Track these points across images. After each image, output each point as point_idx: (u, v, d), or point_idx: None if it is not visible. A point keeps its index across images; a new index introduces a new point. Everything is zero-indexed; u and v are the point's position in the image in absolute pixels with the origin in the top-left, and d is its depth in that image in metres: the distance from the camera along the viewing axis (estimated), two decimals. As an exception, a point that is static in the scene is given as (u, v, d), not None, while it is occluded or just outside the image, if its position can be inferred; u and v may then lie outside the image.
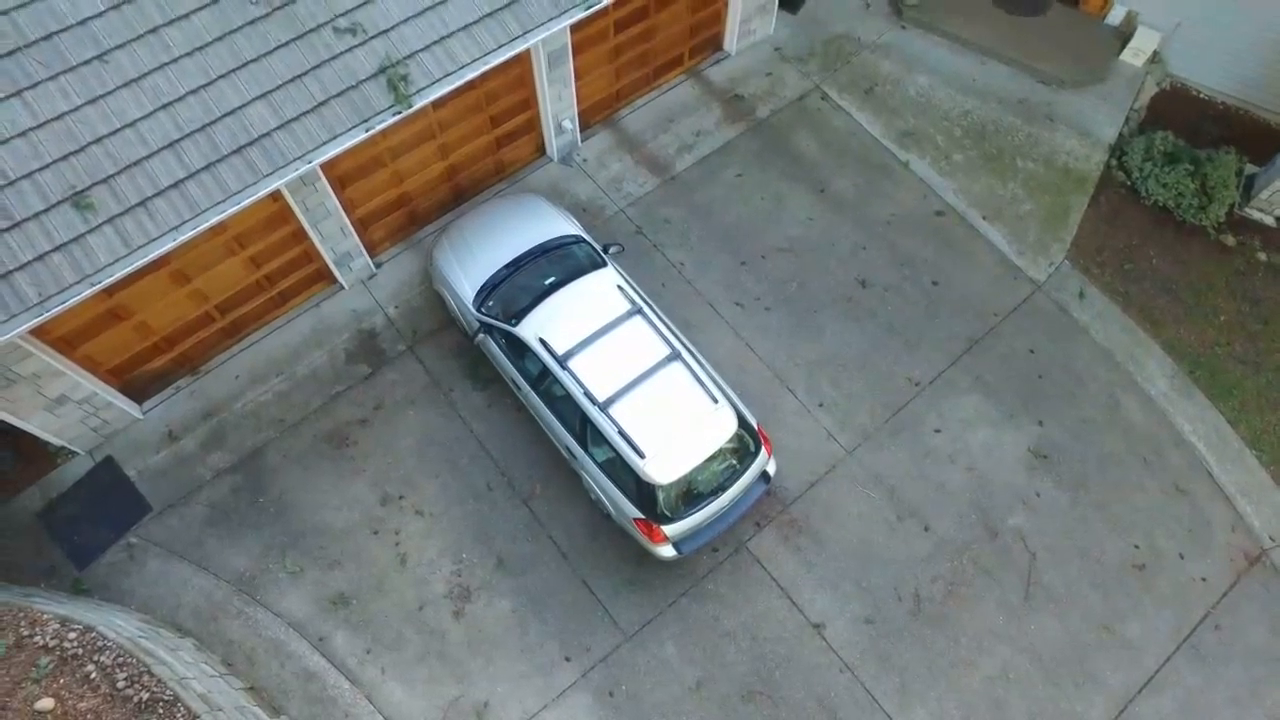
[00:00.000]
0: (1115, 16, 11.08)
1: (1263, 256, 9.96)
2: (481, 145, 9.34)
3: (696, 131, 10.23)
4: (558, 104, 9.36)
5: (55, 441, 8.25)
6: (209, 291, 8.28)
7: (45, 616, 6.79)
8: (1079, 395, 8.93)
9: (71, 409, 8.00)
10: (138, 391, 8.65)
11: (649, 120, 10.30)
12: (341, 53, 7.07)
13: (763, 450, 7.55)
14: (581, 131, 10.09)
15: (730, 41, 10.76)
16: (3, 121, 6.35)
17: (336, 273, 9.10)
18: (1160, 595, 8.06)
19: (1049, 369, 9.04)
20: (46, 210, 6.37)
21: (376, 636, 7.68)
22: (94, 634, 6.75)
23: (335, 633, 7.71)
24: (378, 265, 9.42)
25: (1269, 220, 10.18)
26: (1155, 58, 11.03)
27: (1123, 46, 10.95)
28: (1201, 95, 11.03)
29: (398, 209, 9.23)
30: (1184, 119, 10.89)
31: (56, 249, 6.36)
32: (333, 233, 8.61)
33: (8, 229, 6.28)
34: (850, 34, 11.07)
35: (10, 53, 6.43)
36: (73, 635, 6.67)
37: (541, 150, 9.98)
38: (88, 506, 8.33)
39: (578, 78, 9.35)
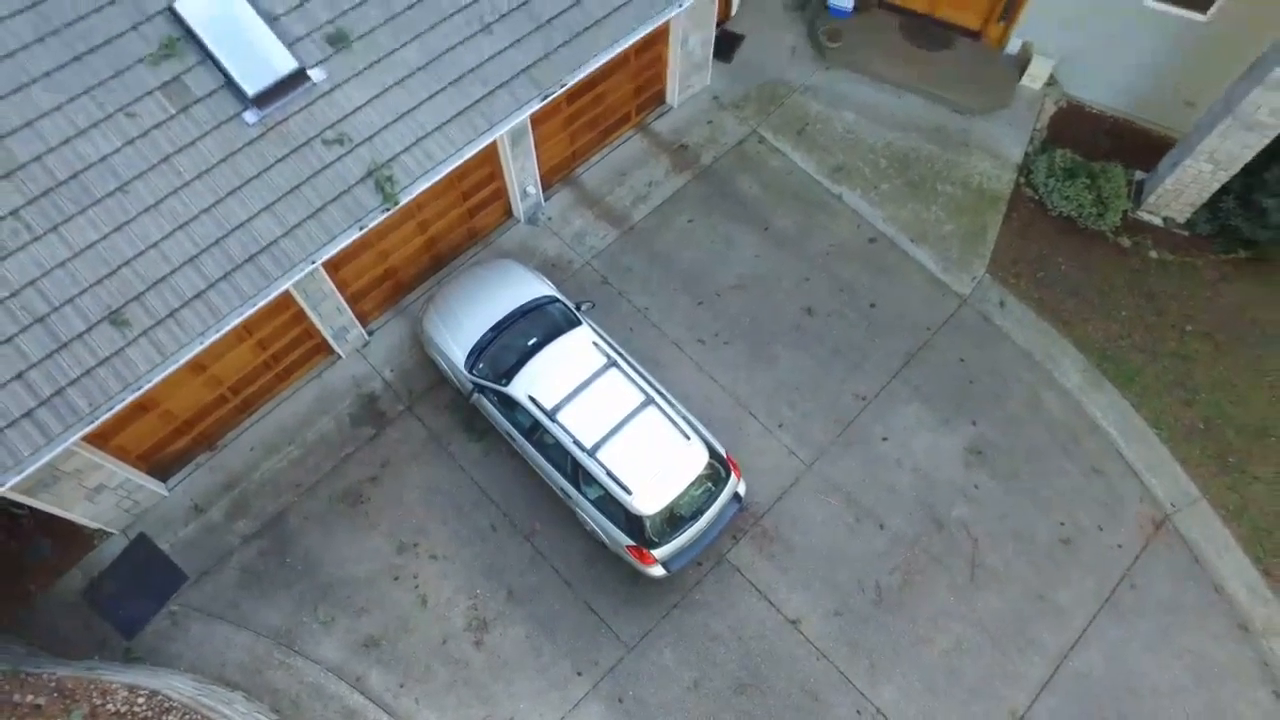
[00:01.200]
0: (1013, 46, 12.52)
1: (1154, 254, 11.48)
2: (455, 216, 10.46)
3: (649, 182, 11.46)
4: (521, 173, 10.51)
5: (93, 525, 9.22)
6: (223, 376, 9.30)
7: (113, 685, 7.81)
8: (1005, 395, 10.35)
9: (107, 495, 8.98)
10: (162, 471, 9.63)
11: (604, 176, 11.49)
12: (332, 162, 8.15)
13: (732, 475, 8.82)
14: (544, 191, 11.25)
15: (672, 95, 11.99)
16: (43, 255, 7.34)
17: (334, 345, 10.16)
18: (1084, 564, 9.50)
19: (978, 374, 10.44)
20: (88, 330, 7.38)
21: (407, 671, 8.80)
22: (160, 697, 7.79)
23: (370, 672, 8.81)
24: (370, 334, 10.50)
25: (1157, 221, 11.70)
26: (1052, 80, 12.50)
27: (1022, 73, 12.40)
28: (1094, 111, 12.51)
29: (385, 282, 10.32)
30: (1081, 134, 12.38)
31: (101, 363, 7.37)
32: (329, 311, 9.67)
33: (56, 350, 7.28)
34: (781, 78, 12.37)
35: (45, 192, 7.41)
36: (141, 700, 7.71)
37: (509, 213, 11.13)
38: (128, 581, 9.31)
39: (537, 147, 10.50)
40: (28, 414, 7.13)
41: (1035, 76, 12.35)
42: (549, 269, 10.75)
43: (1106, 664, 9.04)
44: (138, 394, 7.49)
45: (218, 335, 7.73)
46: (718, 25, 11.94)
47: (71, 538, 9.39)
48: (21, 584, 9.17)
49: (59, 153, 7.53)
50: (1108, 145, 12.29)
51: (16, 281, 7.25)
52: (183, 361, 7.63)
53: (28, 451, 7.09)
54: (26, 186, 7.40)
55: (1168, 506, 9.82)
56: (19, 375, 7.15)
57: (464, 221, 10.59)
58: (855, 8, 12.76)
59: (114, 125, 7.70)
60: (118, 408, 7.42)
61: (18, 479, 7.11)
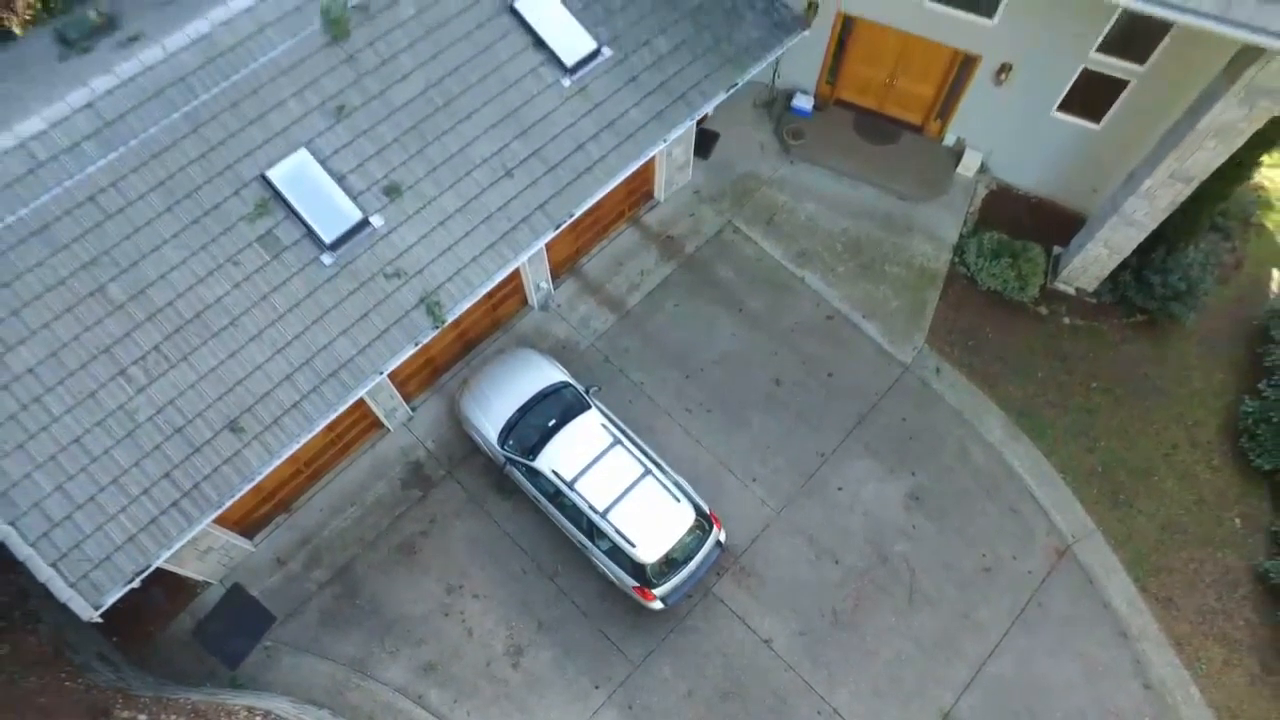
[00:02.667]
0: (950, 139, 15.03)
1: (1067, 320, 14.04)
2: (481, 310, 12.92)
3: (641, 271, 13.95)
4: (536, 272, 12.98)
5: (198, 578, 11.70)
6: (300, 455, 11.76)
7: (235, 706, 10.34)
8: (939, 449, 12.90)
9: (212, 555, 11.46)
10: (250, 531, 12.11)
11: (604, 265, 13.97)
12: (392, 293, 10.61)
13: (714, 527, 11.37)
14: (554, 282, 13.73)
15: (660, 191, 14.46)
16: (179, 380, 9.79)
17: (385, 421, 12.63)
18: (1001, 588, 12.08)
19: (917, 431, 12.99)
20: (214, 437, 9.84)
21: (459, 690, 11.33)
22: (273, 715, 10.31)
23: (429, 691, 11.33)
24: (414, 409, 12.98)
25: (1071, 291, 14.26)
26: (984, 168, 15.02)
27: (958, 163, 14.91)
28: (1020, 193, 15.05)
29: (425, 368, 12.78)
30: (1009, 213, 14.93)
31: (225, 462, 9.84)
32: (383, 397, 12.14)
33: (191, 454, 9.74)
34: (752, 172, 14.85)
35: (177, 329, 9.86)
36: (259, 718, 10.24)
37: (525, 302, 13.61)
38: (228, 621, 11.80)
39: (548, 250, 12.96)
40: (174, 504, 9.61)
41: (969, 166, 14.87)
42: (560, 350, 13.25)
43: (1016, 668, 11.64)
44: (252, 485, 9.97)
45: (310, 436, 10.21)
46: (696, 125, 14.41)
47: (178, 586, 11.87)
48: (143, 626, 11.65)
49: (185, 297, 9.98)
50: (1032, 222, 14.85)
51: (161, 401, 9.71)
52: (285, 457, 10.11)
53: (176, 533, 9.57)
54: (163, 326, 9.86)
55: (1069, 538, 12.41)
56: (166, 474, 9.62)
57: (489, 314, 13.07)
58: (815, 107, 15.25)
59: (224, 273, 10.15)
60: (238, 496, 9.90)
61: (168, 554, 9.59)
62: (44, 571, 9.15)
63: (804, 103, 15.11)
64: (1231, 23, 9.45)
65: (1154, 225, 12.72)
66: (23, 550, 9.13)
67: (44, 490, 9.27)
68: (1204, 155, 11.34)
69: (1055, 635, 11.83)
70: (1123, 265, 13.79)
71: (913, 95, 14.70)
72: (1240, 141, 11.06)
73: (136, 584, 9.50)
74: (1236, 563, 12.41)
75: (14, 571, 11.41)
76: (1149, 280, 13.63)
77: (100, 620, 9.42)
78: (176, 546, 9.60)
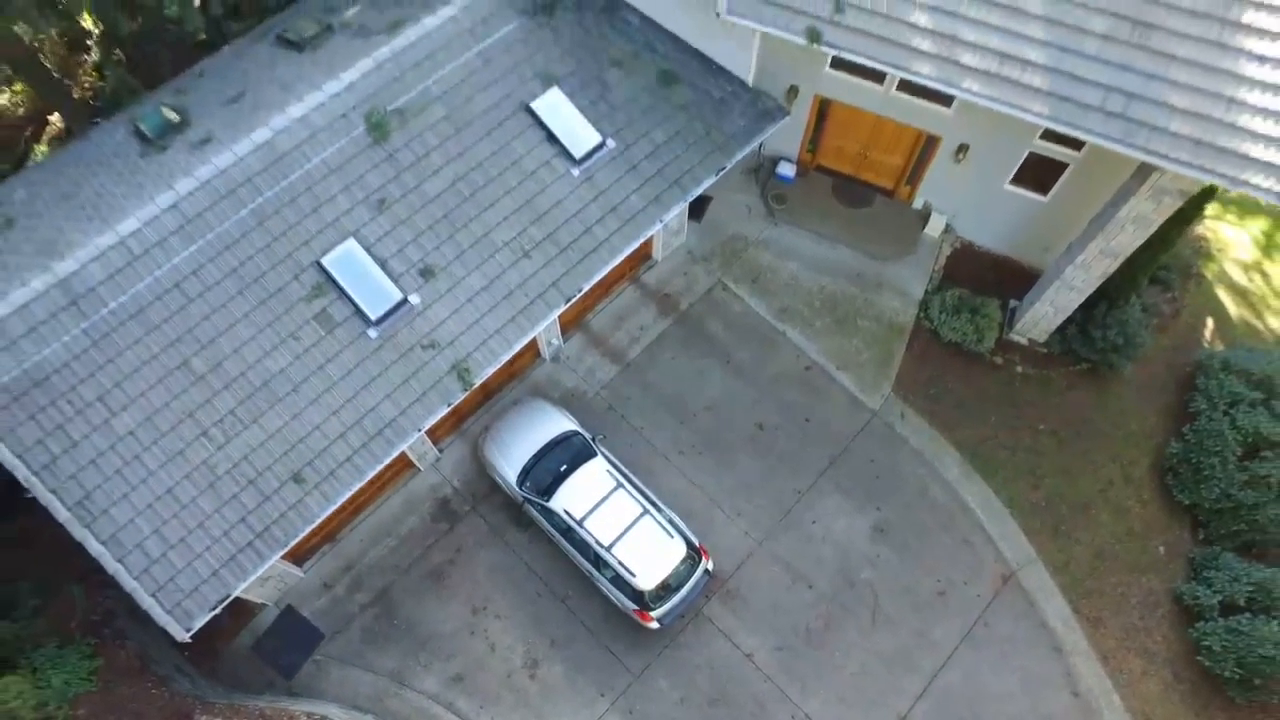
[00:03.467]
0: (919, 203, 17.09)
1: (1020, 369, 16.13)
2: (500, 366, 15.01)
3: (640, 326, 16.05)
4: (547, 330, 15.08)
5: (257, 601, 13.85)
6: (345, 495, 13.90)
7: (296, 712, 12.52)
8: (902, 486, 15.01)
9: (270, 581, 13.61)
10: (301, 560, 14.26)
11: (608, 321, 16.07)
12: (428, 362, 12.72)
13: (703, 558, 13.49)
14: (563, 337, 15.83)
15: (658, 252, 16.54)
16: (251, 439, 11.92)
17: (416, 462, 14.76)
18: (953, 609, 14.20)
19: (883, 471, 15.10)
20: (280, 487, 11.97)
21: (485, 698, 13.48)
22: (329, 718, 12.48)
23: (458, 699, 13.48)
24: (441, 451, 15.10)
25: (1024, 341, 16.34)
26: (948, 228, 17.09)
27: (925, 224, 16.98)
28: (981, 250, 17.12)
29: (451, 415, 14.90)
30: (971, 268, 17.00)
31: (290, 509, 11.98)
32: (415, 442, 14.27)
33: (262, 502, 11.88)
34: (740, 234, 16.93)
35: (249, 396, 11.99)
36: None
37: (538, 355, 15.71)
38: (283, 638, 13.96)
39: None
40: (249, 544, 11.75)
41: (935, 227, 16.94)
42: (569, 399, 15.36)
43: (964, 680, 13.77)
44: (312, 526, 12.11)
45: (360, 484, 12.34)
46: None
47: (240, 608, 14.01)
48: (211, 643, 13.81)
49: (255, 368, 12.11)
50: (992, 276, 16.93)
51: (236, 457, 11.85)
52: (339, 503, 12.24)
53: (250, 568, 11.72)
54: (237, 392, 11.98)
55: (1014, 565, 14.52)
56: (242, 519, 11.76)
57: (506, 368, 15.17)
58: (797, 173, 17.32)
59: (287, 346, 12.27)
60: (300, 536, 12.03)
61: (244, 585, 11.74)
62: (146, 600, 11.31)
63: (787, 170, 17.17)
64: (1131, 145, 11.53)
65: (1091, 290, 14.80)
66: (129, 583, 11.29)
67: (144, 533, 11.43)
68: (1125, 237, 13.42)
69: (998, 651, 13.96)
70: (1070, 319, 15.87)
71: (885, 164, 16.77)
72: (1154, 227, 13.15)
73: (219, 610, 11.67)
74: (1158, 586, 14.54)
75: (103, 596, 13.67)
76: (1091, 334, 15.71)
77: (190, 640, 11.59)
78: (251, 579, 11.76)
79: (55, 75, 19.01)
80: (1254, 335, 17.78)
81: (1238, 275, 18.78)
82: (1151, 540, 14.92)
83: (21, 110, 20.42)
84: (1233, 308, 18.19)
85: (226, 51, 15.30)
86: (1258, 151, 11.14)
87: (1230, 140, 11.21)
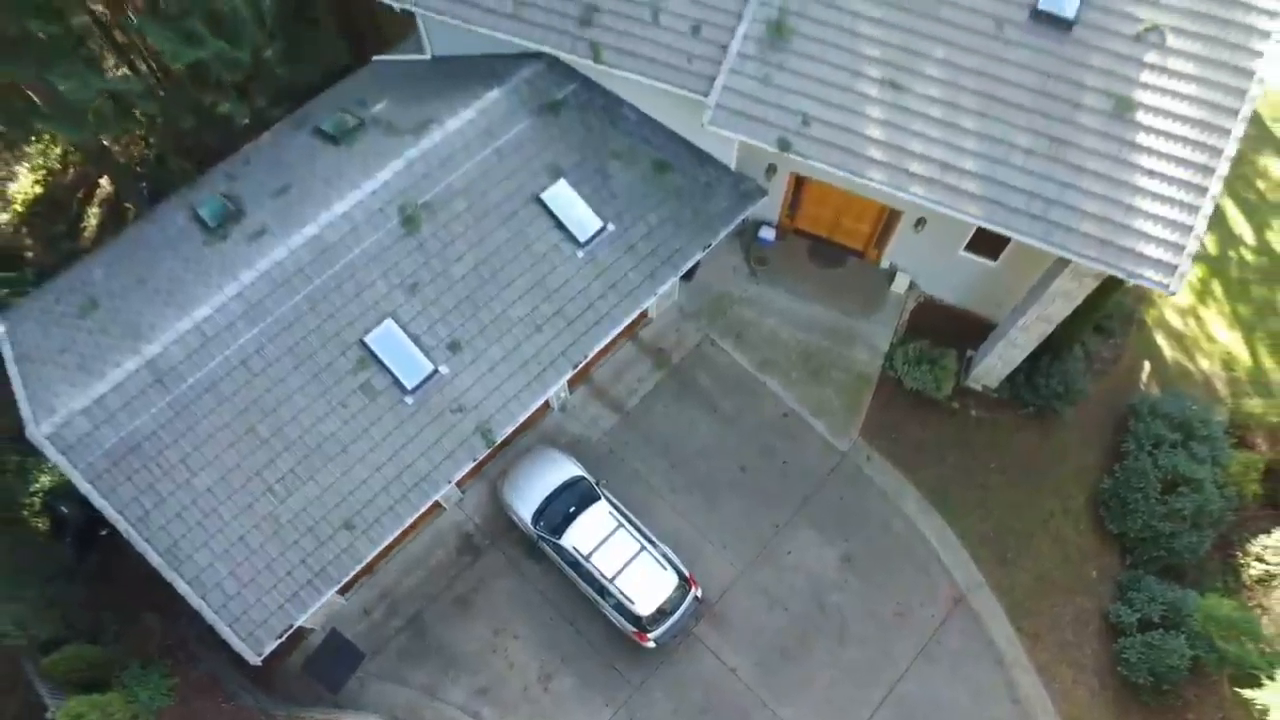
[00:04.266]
0: (886, 264, 19.58)
1: (974, 413, 18.66)
2: (515, 416, 17.54)
3: (638, 379, 18.57)
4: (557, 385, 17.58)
5: (307, 625, 16.40)
6: (383, 534, 16.43)
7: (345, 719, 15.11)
8: (868, 521, 17.55)
9: (319, 609, 16.14)
10: (344, 589, 16.78)
11: (609, 374, 18.59)
12: (456, 424, 15.22)
13: (692, 587, 16.04)
14: (569, 389, 18.33)
15: (652, 311, 19.04)
16: (308, 494, 14.43)
17: (443, 503, 17.29)
18: (911, 629, 16.76)
19: (851, 507, 17.64)
20: (334, 534, 14.50)
21: (505, 708, 16.04)
22: (374, 728, 15.06)
23: (483, 709, 16.04)
24: (463, 493, 17.63)
25: (978, 387, 18.87)
26: (912, 285, 19.58)
27: (891, 283, 19.47)
28: (942, 304, 19.62)
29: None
30: (933, 320, 19.49)
31: (343, 551, 14.49)
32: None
33: (318, 546, 14.40)
34: (726, 292, 19.43)
35: (305, 457, 14.48)
36: (365, 731, 14.98)
37: (548, 407, 18.22)
38: (330, 658, 16.51)
39: (565, 368, 17.55)
40: (309, 581, 14.28)
41: (900, 285, 19.43)
42: (575, 445, 17.89)
43: (919, 690, 16.35)
44: (361, 566, 14.63)
45: (401, 529, 14.86)
46: (682, 258, 18.91)
47: (293, 633, 16.53)
48: (268, 663, 16.33)
49: (310, 432, 14.62)
50: (952, 328, 19.42)
51: (297, 508, 14.37)
52: (383, 545, 14.77)
53: (310, 602, 14.26)
54: (296, 453, 14.49)
55: (964, 589, 17.09)
56: (303, 561, 14.29)
57: (520, 419, 17.71)
58: (777, 236, 19.81)
59: (336, 413, 14.78)
60: (351, 574, 14.55)
61: (305, 617, 14.27)
62: (225, 631, 13.86)
63: (768, 233, 19.65)
64: (1049, 243, 14.04)
65: (1033, 347, 17.32)
66: (211, 616, 13.83)
67: (222, 574, 13.96)
68: (1056, 307, 15.94)
69: (949, 665, 16.53)
70: (1019, 368, 18.38)
71: (855, 230, 19.24)
72: (1080, 299, 15.65)
73: (284, 638, 14.21)
74: (1090, 605, 17.12)
75: (175, 624, 16.24)
76: (1036, 382, 18.24)
77: (259, 663, 14.14)
78: (311, 612, 14.31)
79: (106, 145, 21.42)
80: (1186, 377, 20.32)
81: (1175, 320, 21.30)
82: (1085, 566, 17.49)
83: (71, 172, 22.83)
84: (1169, 351, 20.74)
85: (267, 138, 17.85)
86: (1150, 250, 13.65)
87: (1128, 240, 13.72)
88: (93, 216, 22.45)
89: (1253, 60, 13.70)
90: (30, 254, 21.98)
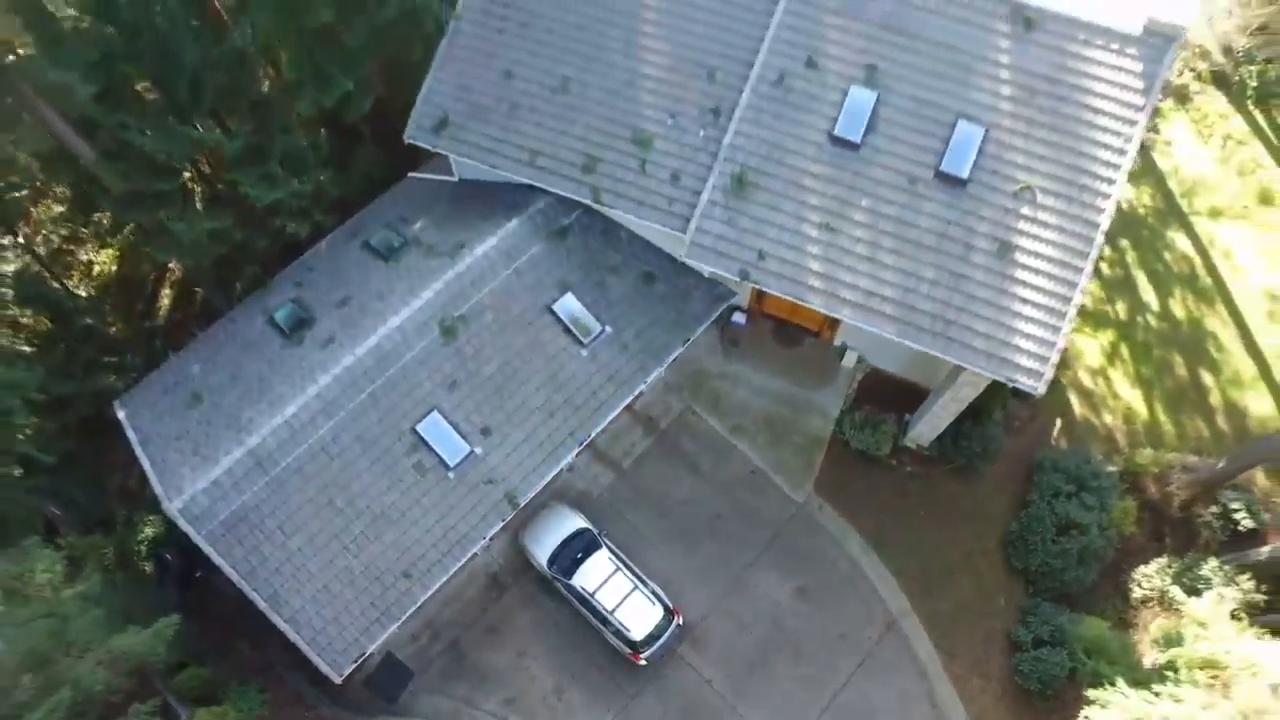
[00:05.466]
0: (838, 341, 24.35)
1: (909, 469, 23.50)
2: (532, 477, 22.34)
3: (631, 443, 23.37)
4: (565, 452, 22.38)
5: (369, 649, 21.25)
6: (428, 576, 21.25)
7: (406, 727, 20.02)
8: (820, 560, 22.40)
9: (379, 638, 21.01)
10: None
11: (608, 440, 23.38)
12: (488, 493, 20.02)
13: (676, 616, 20.93)
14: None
15: (644, 385, 23.78)
16: (374, 549, 19.23)
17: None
18: (852, 647, 21.65)
19: (806, 549, 22.48)
20: (395, 581, 19.31)
21: (528, 714, 20.94)
22: (428, 732, 19.97)
23: (510, 716, 20.94)
24: (490, 540, 22.44)
25: (914, 447, 23.68)
26: (860, 360, 24.35)
27: (842, 357, 24.23)
28: (886, 374, 24.39)
29: (498, 516, 22.25)
30: (879, 388, 24.28)
31: (403, 594, 19.31)
32: (475, 538, 21.62)
33: (384, 591, 19.21)
34: (704, 368, 24.20)
35: (374, 521, 19.28)
36: (420, 733, 19.90)
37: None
38: (386, 675, 21.37)
39: (572, 437, 22.32)
40: (376, 619, 19.12)
41: (850, 360, 24.22)
42: (581, 499, 22.70)
43: (857, 697, 21.25)
44: (416, 607, 19.45)
45: (448, 576, 19.67)
46: (667, 340, 23.66)
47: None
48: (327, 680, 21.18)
49: (375, 502, 19.40)
50: (895, 395, 24.22)
51: (368, 561, 19.18)
52: (433, 590, 19.58)
53: (378, 634, 19.09)
54: (364, 519, 19.29)
55: (896, 615, 21.97)
56: (372, 603, 19.11)
57: (536, 479, 22.52)
58: (747, 320, 24.55)
59: (395, 487, 19.57)
60: (409, 613, 19.38)
61: (374, 646, 19.10)
62: (314, 657, 18.69)
63: (740, 318, 24.42)
64: (948, 354, 18.82)
65: (953, 418, 22.13)
66: (303, 645, 18.66)
67: (311, 614, 18.79)
68: (965, 393, 20.73)
69: (881, 677, 21.43)
70: (946, 430, 23.18)
71: (811, 315, 23.99)
72: (983, 388, 20.42)
73: (359, 662, 19.04)
74: (997, 627, 22.02)
75: (264, 649, 21.10)
76: (960, 443, 23.05)
77: (340, 681, 18.98)
78: (379, 641, 19.13)
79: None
80: (1092, 431, 25.22)
81: (1087, 380, 26.19)
82: (996, 595, 22.39)
83: (145, 264, 27.49)
84: (1079, 408, 25.63)
85: (324, 248, 22.59)
86: (1023, 360, 18.43)
87: (1007, 353, 18.51)
88: (165, 297, 27.15)
89: (1099, 215, 18.45)
90: (113, 329, 26.62)
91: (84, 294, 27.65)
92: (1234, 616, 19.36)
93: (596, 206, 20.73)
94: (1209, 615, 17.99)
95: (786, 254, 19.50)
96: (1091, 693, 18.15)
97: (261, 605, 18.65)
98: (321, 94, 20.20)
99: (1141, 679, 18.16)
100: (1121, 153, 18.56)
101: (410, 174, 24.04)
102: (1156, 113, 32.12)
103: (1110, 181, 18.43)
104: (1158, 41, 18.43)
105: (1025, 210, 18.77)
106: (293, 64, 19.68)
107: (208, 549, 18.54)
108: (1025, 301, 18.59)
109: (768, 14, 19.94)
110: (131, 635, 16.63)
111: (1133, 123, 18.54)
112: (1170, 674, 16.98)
